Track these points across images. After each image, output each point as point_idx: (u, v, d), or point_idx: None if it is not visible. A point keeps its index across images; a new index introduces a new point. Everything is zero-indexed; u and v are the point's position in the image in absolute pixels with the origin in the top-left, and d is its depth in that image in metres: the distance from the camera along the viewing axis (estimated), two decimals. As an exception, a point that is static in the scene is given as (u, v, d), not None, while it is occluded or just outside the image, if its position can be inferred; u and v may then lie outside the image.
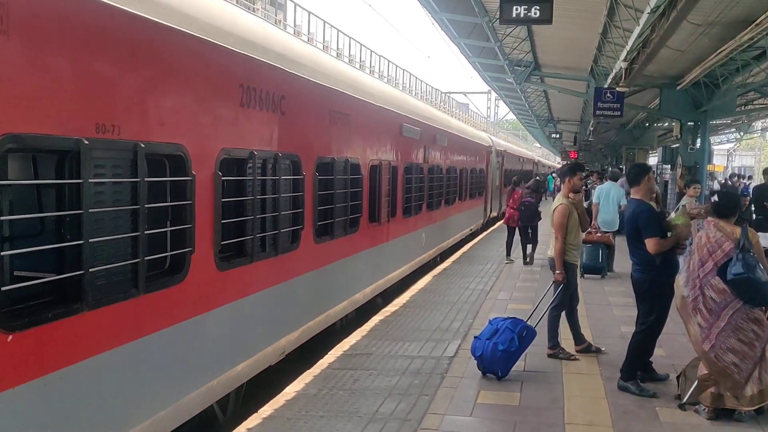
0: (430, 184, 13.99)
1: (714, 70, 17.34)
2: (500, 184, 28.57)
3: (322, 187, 7.68)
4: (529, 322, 6.93)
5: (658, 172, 22.15)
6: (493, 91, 56.75)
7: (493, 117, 60.75)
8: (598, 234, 12.48)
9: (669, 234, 6.16)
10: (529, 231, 14.28)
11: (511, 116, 67.75)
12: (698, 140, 20.20)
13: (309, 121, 7.35)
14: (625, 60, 13.65)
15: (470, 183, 19.88)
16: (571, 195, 7.30)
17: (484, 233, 22.94)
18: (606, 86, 18.24)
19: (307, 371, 6.91)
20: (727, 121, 34.10)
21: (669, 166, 21.95)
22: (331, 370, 7.00)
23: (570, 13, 13.11)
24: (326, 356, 7.53)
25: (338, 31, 12.72)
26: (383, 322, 9.16)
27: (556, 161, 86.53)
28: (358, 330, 8.73)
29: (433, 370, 6.93)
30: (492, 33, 15.19)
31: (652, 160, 44.31)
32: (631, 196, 6.50)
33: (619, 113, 17.86)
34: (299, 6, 11.10)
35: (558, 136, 35.14)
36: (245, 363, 6.07)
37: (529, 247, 14.27)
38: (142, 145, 4.33)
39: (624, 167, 31.56)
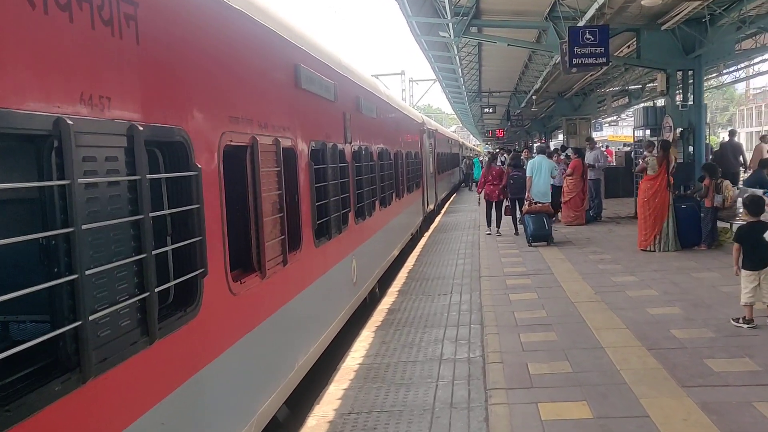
0: (357, 177, 8.52)
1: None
2: (434, 171, 23.47)
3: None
4: None
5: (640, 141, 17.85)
6: (405, 72, 51.62)
7: (408, 100, 55.55)
8: (538, 204, 13.63)
9: None
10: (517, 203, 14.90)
11: (423, 101, 62.98)
12: (690, 94, 15.79)
13: None
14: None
15: (407, 172, 14.58)
16: None
17: (426, 234, 17.80)
18: (582, 25, 13.37)
19: None
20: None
21: (648, 131, 17.49)
22: None
23: None
24: None
25: None
26: None
27: (472, 143, 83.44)
28: None
29: None
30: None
31: (594, 133, 40.72)
32: None
33: (603, 59, 12.99)
34: None
35: (491, 110, 30.38)
36: None
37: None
38: None
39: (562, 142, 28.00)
